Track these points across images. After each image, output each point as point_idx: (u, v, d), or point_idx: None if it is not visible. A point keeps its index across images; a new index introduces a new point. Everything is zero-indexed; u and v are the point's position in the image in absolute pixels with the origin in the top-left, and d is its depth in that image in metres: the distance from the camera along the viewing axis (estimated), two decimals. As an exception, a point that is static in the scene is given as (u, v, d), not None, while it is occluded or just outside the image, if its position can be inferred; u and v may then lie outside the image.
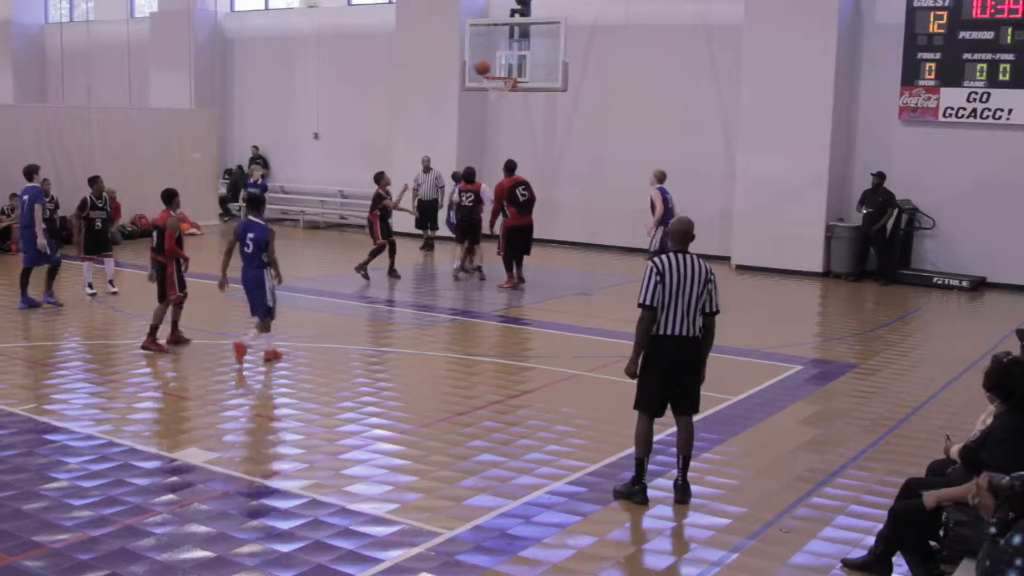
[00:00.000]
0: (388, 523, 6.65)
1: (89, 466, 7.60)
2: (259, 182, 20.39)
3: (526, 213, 16.07)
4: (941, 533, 5.53)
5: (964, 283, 17.06)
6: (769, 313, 15.38)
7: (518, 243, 16.09)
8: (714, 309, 7.04)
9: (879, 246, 17.81)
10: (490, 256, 17.12)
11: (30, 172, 14.29)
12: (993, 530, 4.39)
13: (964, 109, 17.18)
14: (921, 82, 17.53)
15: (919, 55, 17.47)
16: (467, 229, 16.87)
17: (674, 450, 7.36)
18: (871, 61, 18.28)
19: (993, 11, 16.77)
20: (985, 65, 16.92)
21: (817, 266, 18.26)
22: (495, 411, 9.34)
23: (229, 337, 12.27)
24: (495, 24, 18.77)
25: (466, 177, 16.91)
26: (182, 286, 11.66)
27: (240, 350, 10.82)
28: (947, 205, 17.58)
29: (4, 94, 29.76)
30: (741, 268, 18.77)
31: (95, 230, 14.74)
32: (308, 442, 8.47)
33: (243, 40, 26.60)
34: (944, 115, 17.39)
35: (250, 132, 26.42)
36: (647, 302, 6.89)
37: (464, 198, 16.81)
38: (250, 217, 11.21)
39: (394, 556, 6.14)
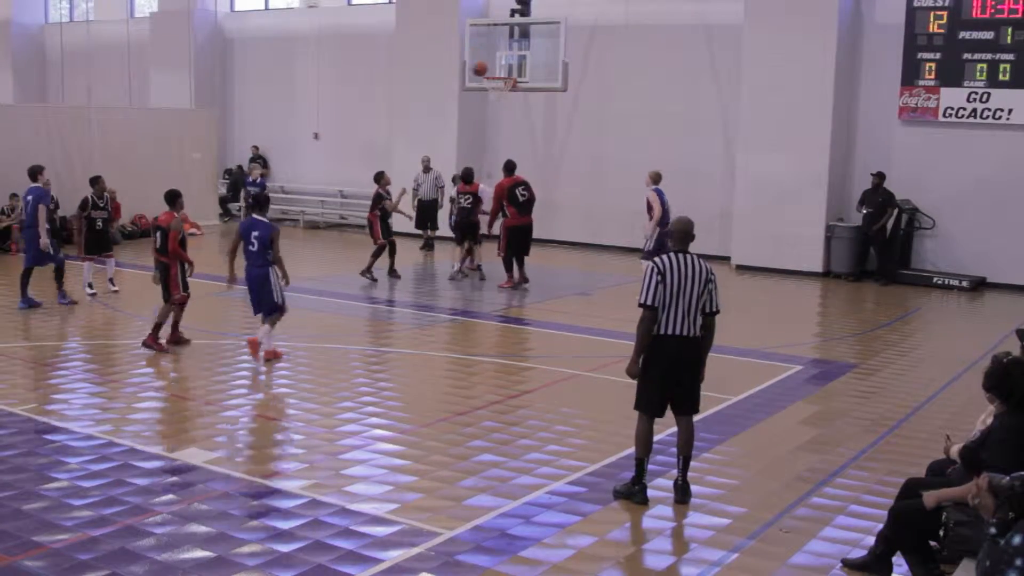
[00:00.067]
0: (388, 523, 6.65)
1: (89, 466, 7.60)
2: (258, 181, 20.39)
3: (526, 213, 16.07)
4: (941, 533, 5.53)
5: (964, 283, 17.06)
6: (769, 313, 15.38)
7: (518, 243, 16.08)
8: (714, 309, 7.05)
9: (879, 246, 17.81)
10: (490, 256, 17.12)
11: (34, 172, 14.31)
12: (993, 530, 4.39)
13: (964, 109, 17.18)
14: (921, 82, 17.53)
15: (919, 55, 17.47)
16: (466, 231, 16.84)
17: (674, 450, 7.36)
18: (871, 61, 18.28)
19: (993, 11, 16.77)
20: (985, 65, 16.92)
21: (817, 266, 18.26)
22: (495, 411, 9.34)
23: (229, 337, 12.28)
24: (495, 24, 18.77)
25: (464, 178, 16.88)
26: (185, 287, 11.67)
27: (255, 346, 10.91)
28: (947, 205, 17.58)
29: (4, 94, 29.76)
30: (741, 268, 18.78)
31: (96, 230, 14.77)
32: (308, 442, 8.48)
33: (243, 40, 26.60)
34: (944, 115, 17.39)
35: (250, 132, 26.43)
36: (648, 302, 6.89)
37: (462, 199, 16.78)
38: (254, 215, 11.22)
39: (394, 556, 6.14)
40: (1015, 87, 16.69)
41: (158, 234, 11.69)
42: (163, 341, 11.49)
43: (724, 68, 19.45)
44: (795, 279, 18.01)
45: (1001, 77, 16.81)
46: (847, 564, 6.17)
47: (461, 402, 9.68)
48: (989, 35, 16.83)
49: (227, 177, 25.82)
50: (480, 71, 17.42)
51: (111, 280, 15.16)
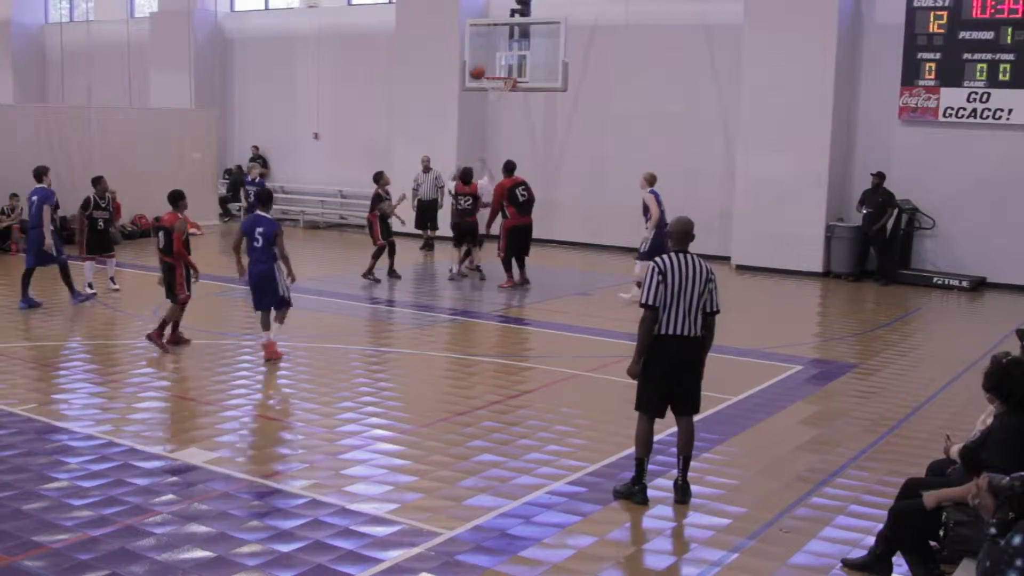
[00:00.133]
0: (388, 523, 6.65)
1: (89, 466, 7.60)
2: (257, 180, 20.37)
3: (526, 213, 16.07)
4: (941, 533, 5.53)
5: (964, 283, 17.06)
6: (769, 313, 15.37)
7: (518, 243, 16.08)
8: (715, 309, 7.05)
9: (879, 246, 17.81)
10: (490, 256, 17.12)
11: (39, 173, 14.34)
12: (993, 530, 4.39)
13: (964, 109, 17.18)
14: (921, 82, 17.53)
15: (919, 55, 17.47)
16: (465, 233, 16.80)
17: (674, 450, 7.36)
18: (871, 61, 18.28)
19: (993, 11, 16.77)
20: (985, 65, 16.92)
21: (817, 266, 18.26)
22: (495, 411, 9.34)
23: (229, 337, 12.28)
24: (495, 24, 18.77)
25: (463, 178, 16.85)
26: (188, 287, 11.68)
27: (270, 348, 10.99)
28: (947, 205, 17.58)
29: (4, 94, 29.76)
30: (741, 268, 18.78)
31: (98, 230, 14.81)
32: (308, 442, 8.48)
33: (243, 40, 26.60)
34: (944, 115, 17.39)
35: (250, 132, 26.43)
36: (649, 302, 6.89)
37: (461, 201, 16.73)
38: (258, 212, 11.23)
39: (394, 556, 6.14)
40: (1015, 87, 16.69)
41: (161, 234, 11.70)
42: (164, 340, 11.51)
43: (724, 68, 19.45)
44: (795, 279, 18.01)
45: (1001, 77, 16.80)
46: (847, 564, 6.17)
47: (461, 402, 9.68)
48: (989, 35, 16.83)
49: (227, 177, 25.81)
50: (477, 75, 17.41)
51: (112, 279, 15.20)
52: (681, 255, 7.02)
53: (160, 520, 6.60)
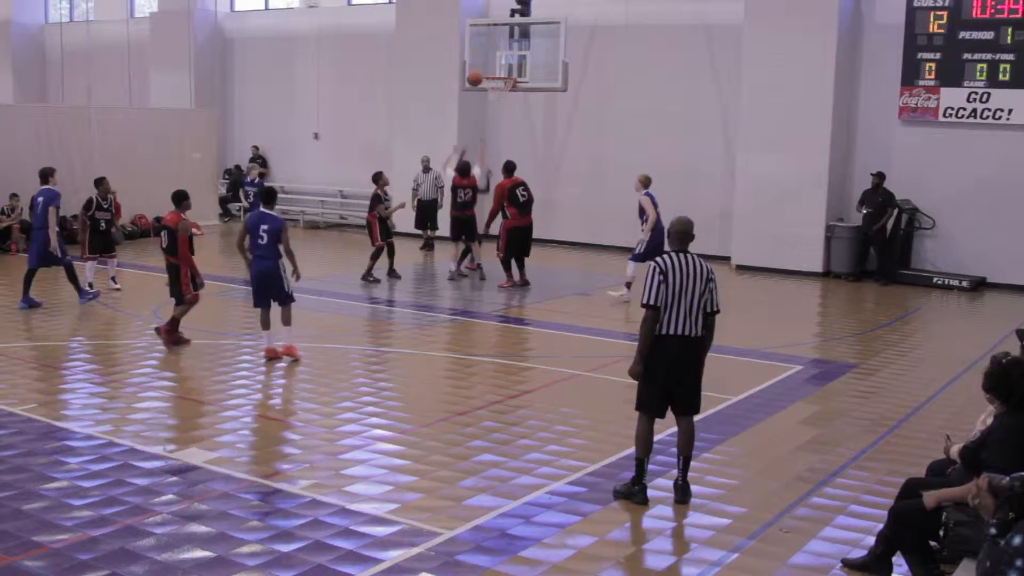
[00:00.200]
0: (388, 523, 6.65)
1: (89, 466, 7.60)
2: (256, 181, 20.39)
3: (526, 213, 16.07)
4: (941, 533, 5.53)
5: (964, 283, 17.06)
6: (769, 313, 15.37)
7: (519, 244, 16.09)
8: (715, 309, 7.05)
9: (879, 246, 17.80)
10: (490, 255, 17.11)
11: (46, 174, 14.37)
12: (993, 531, 4.39)
13: (964, 109, 17.18)
14: (921, 82, 17.53)
15: (919, 55, 17.47)
16: (463, 228, 16.80)
17: (674, 450, 7.36)
18: (871, 61, 18.28)
19: (993, 11, 16.77)
20: (985, 65, 16.91)
21: (817, 266, 18.26)
22: (495, 411, 9.34)
23: (229, 337, 12.28)
24: (495, 24, 18.77)
25: (460, 171, 16.84)
26: (194, 286, 11.71)
27: (291, 351, 11.04)
28: (947, 205, 17.58)
29: (4, 94, 29.76)
30: (741, 268, 18.77)
31: (100, 231, 14.87)
32: (308, 442, 8.48)
33: (243, 40, 26.60)
34: (944, 115, 17.39)
35: (250, 132, 26.43)
36: (651, 302, 6.89)
37: (461, 193, 16.73)
38: (262, 209, 11.24)
39: (394, 556, 6.14)
40: (1015, 87, 16.69)
41: (164, 234, 11.70)
42: (162, 340, 11.54)
43: (724, 68, 19.45)
44: (795, 279, 18.01)
45: (1001, 77, 16.80)
46: (847, 564, 6.17)
47: (461, 402, 9.68)
48: (989, 35, 16.83)
49: (227, 177, 25.82)
50: (474, 81, 17.42)
51: (113, 279, 15.23)
52: (681, 255, 7.02)
53: (160, 520, 6.60)
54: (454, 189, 16.86)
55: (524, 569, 6.05)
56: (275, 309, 11.18)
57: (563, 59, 17.16)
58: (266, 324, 11.16)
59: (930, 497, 5.56)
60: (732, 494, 7.37)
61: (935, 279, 17.34)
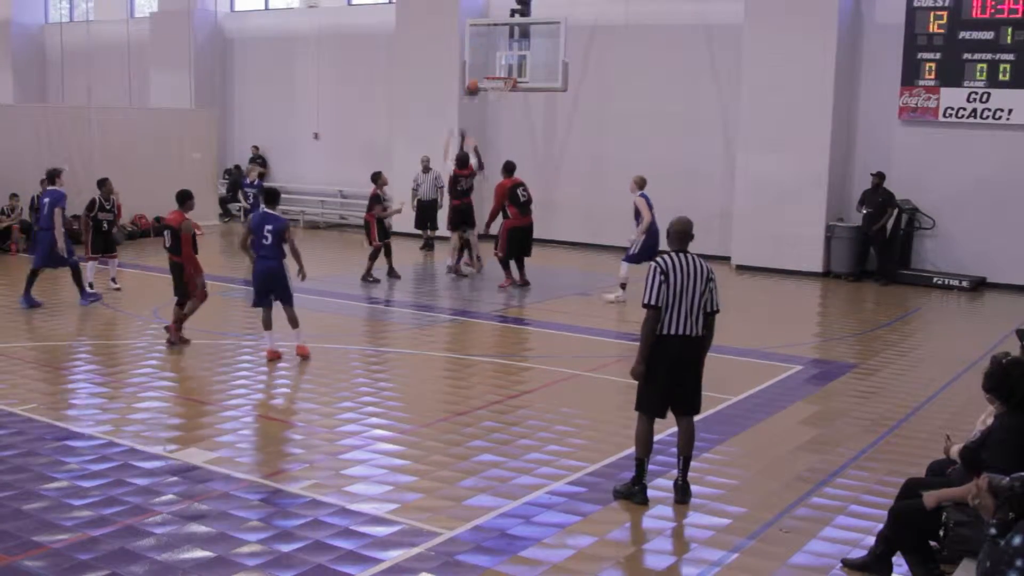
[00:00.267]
0: (388, 523, 6.65)
1: (89, 466, 7.60)
2: (255, 183, 20.41)
3: (527, 213, 16.09)
4: (941, 533, 5.53)
5: (964, 283, 17.06)
6: (769, 313, 15.37)
7: (519, 244, 16.09)
8: (715, 308, 7.05)
9: (879, 246, 17.80)
10: (490, 255, 17.10)
11: (53, 175, 14.47)
12: (993, 531, 4.39)
13: (964, 109, 17.18)
14: (921, 82, 17.52)
15: (919, 55, 17.47)
16: (463, 216, 16.82)
17: (674, 450, 7.36)
18: (871, 61, 18.27)
19: (993, 11, 16.77)
20: (985, 65, 16.91)
21: (817, 266, 18.25)
22: (495, 411, 9.34)
23: (229, 337, 12.28)
24: (495, 24, 18.78)
25: (459, 163, 16.85)
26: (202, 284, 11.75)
27: (303, 351, 11.06)
28: (947, 205, 17.57)
29: (4, 94, 29.75)
30: (741, 268, 18.77)
31: (102, 231, 14.93)
32: (308, 442, 8.49)
33: (243, 40, 26.60)
34: (944, 115, 17.39)
35: (250, 132, 26.43)
36: (652, 302, 6.89)
37: (463, 182, 16.78)
38: (266, 209, 11.24)
39: (394, 556, 6.14)
40: (1015, 87, 16.68)
41: (167, 233, 11.71)
42: (168, 337, 11.56)
43: (724, 68, 19.45)
44: (795, 279, 18.01)
45: (1001, 77, 16.80)
46: (847, 564, 6.18)
47: (461, 402, 9.69)
48: (989, 35, 16.83)
49: (227, 177, 25.82)
50: (472, 90, 17.43)
51: (113, 280, 15.26)
52: (681, 255, 7.02)
53: (160, 520, 6.60)
54: (455, 179, 16.88)
55: (524, 569, 6.05)
56: (278, 312, 11.19)
57: (563, 59, 17.17)
58: (268, 324, 11.17)
59: (930, 497, 5.56)
60: (732, 494, 7.37)
61: (935, 279, 17.33)
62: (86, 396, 9.75)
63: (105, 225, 15.01)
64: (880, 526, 6.16)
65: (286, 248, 11.04)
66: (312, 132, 25.15)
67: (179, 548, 6.19)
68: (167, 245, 11.72)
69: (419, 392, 10.24)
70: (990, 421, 6.09)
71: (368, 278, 16.36)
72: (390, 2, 23.29)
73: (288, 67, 25.66)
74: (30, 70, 30.52)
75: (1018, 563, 4.09)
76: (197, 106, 25.30)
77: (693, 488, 7.26)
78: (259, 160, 25.46)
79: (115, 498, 6.96)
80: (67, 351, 11.85)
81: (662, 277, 6.88)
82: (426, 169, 19.56)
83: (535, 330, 13.48)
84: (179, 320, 11.61)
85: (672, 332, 6.92)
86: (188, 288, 11.61)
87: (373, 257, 16.43)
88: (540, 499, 7.16)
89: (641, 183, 14.90)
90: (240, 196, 21.83)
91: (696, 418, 7.33)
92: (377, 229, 16.42)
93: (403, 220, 20.23)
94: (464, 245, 17.13)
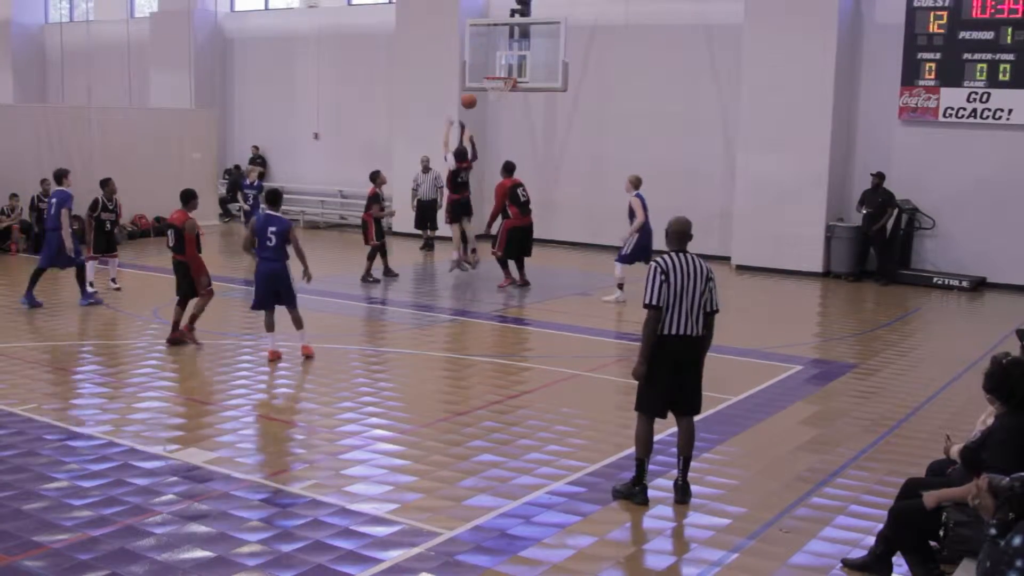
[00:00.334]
0: (388, 523, 6.65)
1: (89, 466, 7.60)
2: (255, 184, 20.42)
3: (527, 213, 16.10)
4: (941, 533, 5.53)
5: (964, 283, 17.06)
6: (769, 313, 15.37)
7: (520, 244, 16.10)
8: (714, 308, 7.06)
9: (879, 246, 17.80)
10: (488, 255, 17.10)
11: (60, 176, 14.53)
12: (993, 531, 4.39)
13: (964, 109, 17.18)
14: (921, 82, 17.52)
15: (919, 55, 17.47)
16: (463, 208, 16.84)
17: (674, 450, 7.36)
18: (871, 61, 18.27)
19: (993, 11, 16.77)
20: (985, 65, 16.91)
21: (817, 266, 18.25)
22: (495, 411, 9.34)
23: (229, 337, 12.28)
24: (495, 24, 18.78)
25: (458, 156, 16.88)
26: (207, 282, 11.76)
27: (307, 351, 11.10)
28: (947, 205, 17.58)
29: (4, 94, 29.75)
30: (741, 268, 18.77)
31: (104, 231, 14.97)
32: (308, 442, 8.49)
33: (243, 40, 26.60)
34: (944, 115, 17.39)
35: (250, 132, 26.43)
36: (654, 302, 6.88)
37: (463, 174, 16.82)
38: (269, 211, 11.23)
39: (394, 556, 6.14)
40: (1015, 87, 16.68)
41: (171, 233, 11.72)
42: (168, 338, 11.56)
43: (724, 68, 19.45)
44: (795, 279, 18.01)
45: (1001, 77, 16.80)
46: (847, 564, 6.18)
47: (461, 402, 9.69)
48: (989, 35, 16.83)
49: (227, 177, 25.82)
50: (468, 103, 17.44)
51: (113, 280, 15.28)
52: (681, 255, 7.02)
53: (160, 520, 6.60)
54: (455, 171, 16.88)
55: (524, 569, 6.05)
56: (280, 312, 11.18)
57: (563, 59, 17.17)
58: (271, 327, 11.17)
59: (930, 497, 5.56)
60: (732, 494, 7.37)
61: (935, 279, 17.34)
62: (86, 396, 9.75)
63: (108, 225, 15.07)
64: (880, 526, 6.16)
65: (290, 250, 11.04)
66: (312, 132, 25.15)
67: (179, 548, 6.19)
68: (171, 244, 11.73)
69: (419, 392, 10.24)
70: (990, 421, 6.09)
71: (368, 278, 16.37)
72: (390, 2, 23.29)
73: (288, 67, 25.66)
74: (30, 70, 30.52)
75: (1018, 563, 4.09)
76: (197, 106, 25.30)
77: (693, 488, 7.26)
78: (258, 160, 25.46)
79: (115, 498, 6.95)
80: (67, 351, 11.85)
81: (663, 277, 6.88)
82: (426, 169, 19.57)
83: (535, 330, 13.48)
84: (191, 320, 11.63)
85: (673, 332, 6.91)
86: (195, 287, 11.62)
87: (371, 257, 16.44)
88: (540, 499, 7.16)
89: (636, 183, 14.91)
90: (239, 197, 21.81)
91: (696, 418, 7.33)
92: (375, 228, 16.42)
93: (403, 220, 20.27)
94: (463, 237, 17.13)
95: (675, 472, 7.26)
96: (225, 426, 8.80)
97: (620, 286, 14.94)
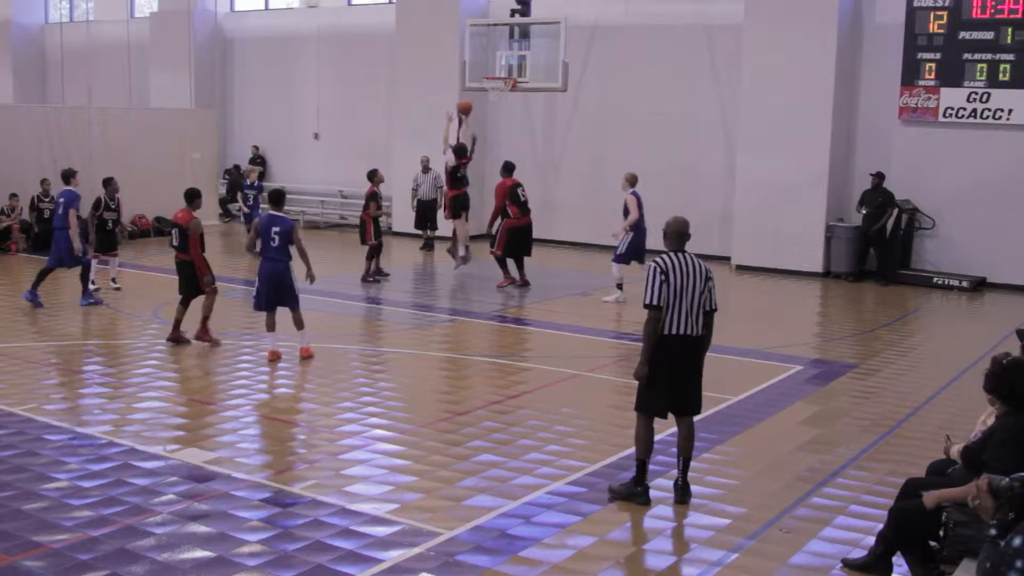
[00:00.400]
0: (388, 523, 6.65)
1: (89, 466, 7.60)
2: (255, 184, 20.41)
3: (527, 213, 16.11)
4: (941, 533, 5.53)
5: (964, 283, 17.06)
6: (769, 313, 15.37)
7: (520, 243, 16.10)
8: (713, 307, 7.06)
9: (879, 246, 17.80)
10: (487, 254, 17.09)
11: (67, 176, 14.58)
12: (993, 531, 4.39)
13: (964, 109, 17.18)
14: (921, 82, 17.52)
15: (919, 55, 17.47)
16: (464, 204, 16.85)
17: (674, 450, 7.36)
18: (871, 61, 18.27)
19: (993, 11, 16.77)
20: (985, 65, 16.91)
21: (817, 266, 18.25)
22: (495, 411, 9.34)
23: (229, 337, 12.27)
24: (495, 24, 18.79)
25: (458, 152, 16.90)
26: (211, 280, 11.78)
27: (306, 353, 11.08)
28: (947, 205, 17.58)
29: (4, 94, 29.75)
30: (741, 268, 18.77)
31: (106, 230, 15.01)
32: (308, 442, 8.49)
33: (243, 40, 26.60)
34: (944, 115, 17.39)
35: (250, 132, 26.43)
36: (654, 302, 6.88)
37: (462, 170, 16.87)
38: (272, 211, 11.23)
39: (394, 556, 6.14)
40: (1015, 87, 16.68)
41: (175, 232, 11.72)
42: (169, 337, 11.57)
43: (724, 68, 19.45)
44: (795, 279, 18.01)
45: (1001, 77, 16.80)
46: (847, 564, 6.18)
47: (461, 402, 9.69)
48: (989, 35, 16.83)
49: (226, 178, 25.82)
50: (464, 110, 17.46)
51: (113, 280, 15.29)
52: (679, 255, 7.02)
53: (160, 520, 6.60)
54: (455, 167, 16.87)
55: (524, 569, 6.05)
56: (281, 312, 11.18)
57: (563, 59, 17.18)
58: (272, 327, 11.17)
59: (930, 497, 5.56)
60: (732, 494, 7.37)
61: (935, 279, 17.34)
62: (86, 396, 9.75)
63: (110, 224, 15.10)
64: (880, 526, 6.16)
65: (292, 250, 11.04)
66: (312, 132, 25.15)
67: (179, 548, 6.19)
68: (175, 243, 11.74)
69: (419, 392, 10.24)
70: (990, 421, 6.10)
71: (367, 278, 16.37)
72: (390, 2, 23.28)
73: (288, 67, 25.66)
74: (30, 70, 30.51)
75: (1018, 564, 4.09)
76: (197, 106, 25.29)
77: (693, 488, 7.26)
78: (258, 160, 25.46)
79: (115, 498, 6.95)
80: (67, 351, 11.84)
81: (662, 277, 6.88)
82: (426, 169, 19.58)
83: (535, 330, 13.47)
84: (203, 321, 11.63)
85: (673, 332, 6.91)
86: (199, 286, 11.63)
87: (370, 256, 16.44)
88: (540, 499, 7.16)
89: (633, 180, 14.93)
90: (239, 197, 21.81)
91: (696, 418, 7.34)
92: (374, 228, 16.42)
93: (403, 220, 20.27)
94: (454, 233, 17.13)
95: (675, 472, 7.26)
96: (225, 426, 8.80)
97: (619, 286, 14.95)
